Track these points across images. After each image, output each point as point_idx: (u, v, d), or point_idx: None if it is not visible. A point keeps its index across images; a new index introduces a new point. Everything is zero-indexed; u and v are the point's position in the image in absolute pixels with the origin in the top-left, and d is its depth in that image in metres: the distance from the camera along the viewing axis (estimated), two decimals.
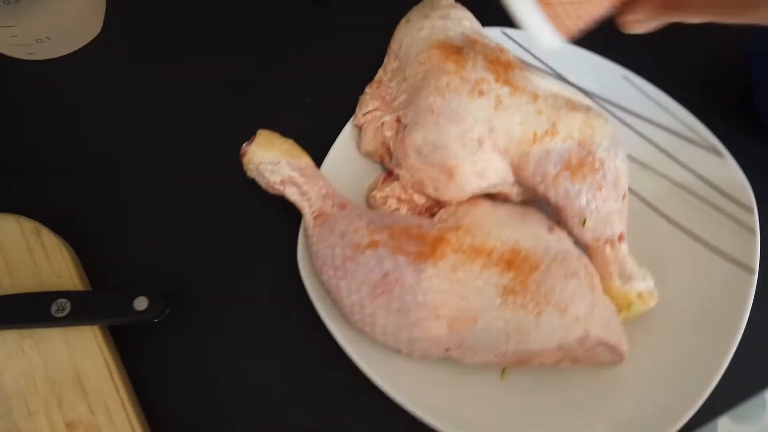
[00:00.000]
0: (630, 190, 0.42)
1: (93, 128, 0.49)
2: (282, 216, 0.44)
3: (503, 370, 0.39)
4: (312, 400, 0.40)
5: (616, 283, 0.39)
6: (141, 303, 0.39)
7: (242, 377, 0.40)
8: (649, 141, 0.45)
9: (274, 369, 0.41)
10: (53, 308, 0.39)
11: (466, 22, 0.41)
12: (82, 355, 0.39)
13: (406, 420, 0.37)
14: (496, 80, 0.39)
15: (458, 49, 0.39)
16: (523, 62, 0.41)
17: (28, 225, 0.42)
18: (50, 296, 0.39)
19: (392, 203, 0.41)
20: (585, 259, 0.38)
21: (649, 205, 0.44)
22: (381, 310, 0.35)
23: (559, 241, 0.38)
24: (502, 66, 0.40)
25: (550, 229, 0.39)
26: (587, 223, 0.39)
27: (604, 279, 0.39)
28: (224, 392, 0.40)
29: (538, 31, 0.32)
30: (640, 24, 0.32)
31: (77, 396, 0.38)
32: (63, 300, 0.39)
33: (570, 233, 0.40)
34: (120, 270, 0.43)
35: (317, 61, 0.51)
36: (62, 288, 0.40)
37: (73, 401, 0.38)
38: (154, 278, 0.40)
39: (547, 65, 0.47)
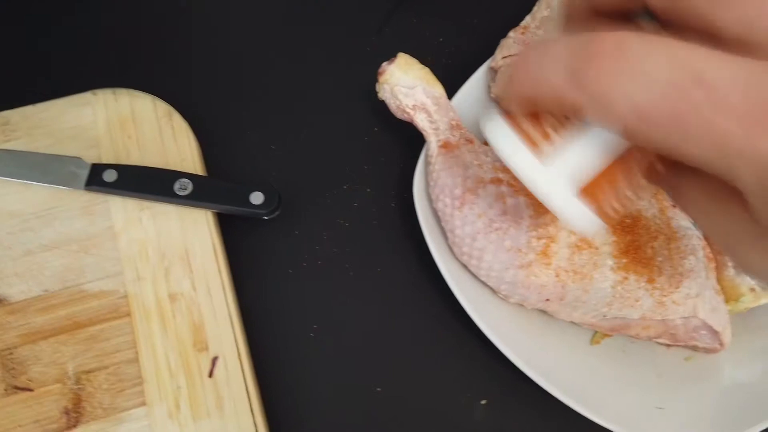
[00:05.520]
0: None
1: (243, 30, 0.51)
2: (399, 146, 0.45)
3: (594, 334, 0.39)
4: (402, 322, 0.40)
5: (730, 272, 0.38)
6: (257, 197, 0.41)
7: (331, 293, 0.41)
8: None
9: (365, 293, 0.41)
10: (176, 186, 0.40)
11: None
12: (194, 235, 0.41)
13: (489, 354, 0.37)
14: None
15: None
16: None
17: (162, 107, 0.44)
18: (175, 174, 0.41)
19: None
20: (705, 242, 0.37)
21: None
22: (492, 246, 0.35)
23: (682, 218, 0.38)
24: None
25: (674, 205, 0.38)
26: None
27: (718, 266, 0.38)
28: (310, 302, 0.41)
29: (571, 213, 0.23)
30: None
31: (183, 271, 0.40)
32: (186, 180, 0.41)
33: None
34: (237, 167, 0.45)
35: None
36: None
37: (178, 275, 0.40)
38: (269, 181, 0.41)
39: None
